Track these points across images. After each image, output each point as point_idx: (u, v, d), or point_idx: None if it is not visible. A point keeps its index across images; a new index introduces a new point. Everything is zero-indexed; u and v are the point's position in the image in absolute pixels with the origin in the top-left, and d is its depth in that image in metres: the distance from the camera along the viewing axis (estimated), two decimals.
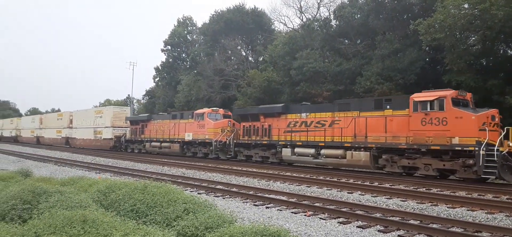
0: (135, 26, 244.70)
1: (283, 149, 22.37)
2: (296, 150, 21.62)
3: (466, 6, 22.27)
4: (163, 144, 31.61)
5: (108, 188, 8.71)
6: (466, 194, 12.55)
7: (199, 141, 28.00)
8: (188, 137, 28.98)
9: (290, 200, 11.13)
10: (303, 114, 22.12)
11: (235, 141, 25.61)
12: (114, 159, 27.92)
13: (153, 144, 32.86)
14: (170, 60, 57.75)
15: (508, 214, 9.48)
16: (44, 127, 53.44)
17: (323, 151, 19.91)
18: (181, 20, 58.63)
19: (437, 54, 27.21)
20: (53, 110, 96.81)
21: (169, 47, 57.75)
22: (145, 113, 41.17)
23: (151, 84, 65.23)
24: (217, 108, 29.45)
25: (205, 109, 28.64)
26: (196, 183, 14.55)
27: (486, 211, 9.84)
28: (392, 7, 29.64)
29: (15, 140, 61.93)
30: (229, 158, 26.26)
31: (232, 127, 27.16)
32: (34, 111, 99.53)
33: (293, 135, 22.14)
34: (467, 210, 10.06)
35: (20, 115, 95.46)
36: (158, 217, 6.89)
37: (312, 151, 20.43)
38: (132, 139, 36.59)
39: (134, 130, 36.42)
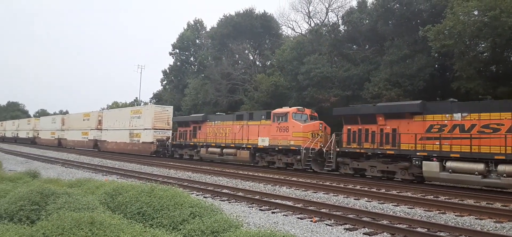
0: (144, 30, 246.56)
1: (425, 162, 16.03)
2: (450, 164, 15.34)
3: (475, 13, 22.12)
4: (225, 150, 26.11)
5: (115, 190, 8.74)
6: (474, 202, 12.41)
7: (279, 147, 22.56)
8: (263, 142, 23.54)
9: (296, 205, 11.09)
10: (458, 115, 16.04)
11: (338, 150, 19.97)
12: (120, 161, 28.05)
13: (211, 149, 27.37)
14: (178, 63, 58.06)
15: None
16: (67, 128, 49.39)
17: None
18: (192, 23, 58.95)
19: (446, 61, 27.04)
20: (61, 112, 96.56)
21: (177, 50, 58.09)
22: (198, 114, 34.43)
23: (159, 87, 65.64)
24: (303, 107, 23.88)
25: (288, 109, 23.22)
26: (202, 187, 14.58)
27: (494, 220, 9.72)
28: (401, 13, 29.53)
29: (32, 142, 58.53)
30: (330, 171, 20.38)
31: (324, 130, 22.36)
32: (42, 113, 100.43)
33: (441, 143, 16.06)
34: (475, 218, 9.95)
35: (28, 116, 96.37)
36: (164, 220, 6.90)
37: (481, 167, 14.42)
38: (181, 143, 31.46)
39: (183, 132, 31.61)
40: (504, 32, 20.47)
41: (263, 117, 24.31)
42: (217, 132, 27.71)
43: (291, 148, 21.78)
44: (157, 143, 32.73)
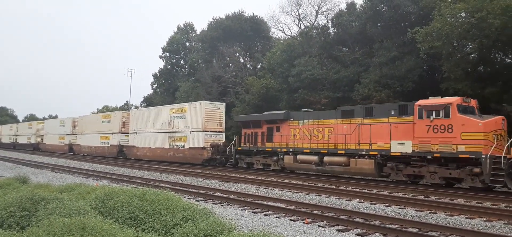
0: (133, 33, 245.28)
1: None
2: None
3: (463, 14, 22.43)
4: (328, 159, 19.57)
5: (107, 195, 8.68)
6: (464, 201, 12.56)
7: (435, 154, 15.74)
8: (400, 147, 16.92)
9: (288, 207, 11.11)
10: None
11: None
12: (112, 165, 27.80)
13: (302, 157, 20.84)
14: (168, 66, 57.85)
15: (506, 221, 9.50)
16: (80, 131, 43.39)
17: None
18: (182, 27, 58.82)
19: (434, 62, 27.36)
20: (50, 117, 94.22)
21: (168, 54, 57.90)
22: (275, 111, 26.30)
23: (149, 91, 65.25)
24: (468, 97, 16.73)
25: (450, 99, 16.29)
26: (194, 190, 14.52)
27: (484, 219, 9.85)
28: (389, 16, 29.84)
29: (36, 148, 52.66)
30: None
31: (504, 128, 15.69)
32: (31, 118, 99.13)
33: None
34: (466, 218, 10.06)
35: (17, 121, 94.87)
36: (156, 224, 6.86)
37: None
38: (249, 149, 24.40)
39: (250, 135, 24.66)
40: (491, 33, 20.78)
41: (393, 112, 17.83)
42: (309, 134, 21.16)
43: (461, 155, 15.06)
44: (211, 148, 26.68)
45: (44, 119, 80.00)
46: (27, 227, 6.32)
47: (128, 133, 35.87)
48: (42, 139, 52.84)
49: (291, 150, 21.87)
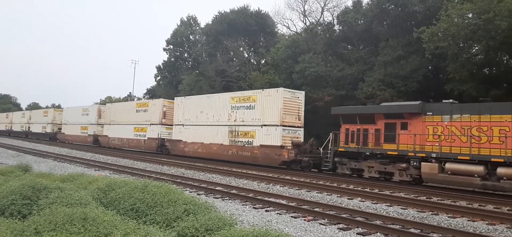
0: (137, 25, 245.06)
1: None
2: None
3: (470, 15, 22.26)
4: (507, 171, 13.93)
5: (108, 186, 8.67)
6: (467, 204, 12.50)
7: None
8: None
9: (289, 204, 11.08)
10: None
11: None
12: (114, 156, 27.84)
13: (455, 166, 15.23)
14: (172, 59, 57.81)
15: (509, 225, 9.44)
16: (108, 121, 38.65)
17: None
18: (185, 20, 58.71)
19: (439, 62, 27.22)
20: (53, 106, 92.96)
21: (171, 46, 57.83)
22: (399, 102, 21.22)
23: (152, 83, 65.34)
24: None
25: None
26: (195, 184, 14.52)
27: (487, 222, 9.80)
28: (395, 14, 29.66)
29: (52, 138, 49.00)
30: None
31: None
32: (34, 106, 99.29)
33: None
34: (468, 220, 10.01)
35: (20, 109, 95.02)
36: (158, 217, 6.84)
37: None
38: (359, 151, 18.91)
39: (354, 132, 19.43)
40: (498, 35, 20.64)
41: None
42: (464, 134, 15.57)
43: None
44: (294, 149, 21.46)
45: (47, 107, 79.08)
46: (29, 216, 6.31)
47: (170, 125, 31.07)
48: (59, 129, 48.85)
49: (433, 155, 15.94)
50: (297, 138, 22.51)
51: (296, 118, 22.74)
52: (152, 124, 32.22)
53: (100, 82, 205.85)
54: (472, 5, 21.49)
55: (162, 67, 58.99)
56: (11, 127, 64.40)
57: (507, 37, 20.90)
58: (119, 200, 7.68)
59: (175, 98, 30.46)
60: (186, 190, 12.86)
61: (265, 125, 22.94)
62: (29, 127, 57.06)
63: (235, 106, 25.27)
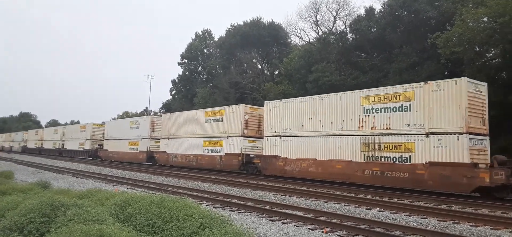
0: (152, 41, 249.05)
1: None
2: None
3: (485, 19, 21.93)
4: None
5: (125, 201, 8.71)
6: (489, 211, 12.15)
7: None
8: None
9: (306, 215, 10.95)
10: None
11: None
12: (130, 170, 28.11)
13: None
14: (187, 73, 58.50)
15: None
16: (165, 134, 33.10)
17: None
18: (200, 34, 59.48)
19: (456, 67, 26.80)
20: (72, 122, 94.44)
21: (186, 60, 58.60)
22: None
23: (168, 97, 66.08)
24: None
25: None
26: (211, 197, 14.50)
27: (510, 230, 9.48)
28: (409, 21, 29.43)
29: (92, 156, 45.20)
30: None
31: None
32: (54, 123, 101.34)
33: None
34: (491, 228, 9.71)
35: (40, 126, 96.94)
36: (174, 232, 6.83)
37: None
38: None
39: None
40: None
41: None
42: None
43: None
44: (502, 168, 14.39)
45: (66, 124, 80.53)
46: (47, 234, 6.38)
47: (252, 137, 25.86)
48: (101, 145, 44.83)
49: None
50: (485, 150, 15.84)
51: (480, 122, 16.04)
52: (230, 136, 26.33)
53: (118, 97, 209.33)
54: (487, 9, 21.18)
55: (177, 81, 59.75)
56: (42, 144, 61.71)
57: None
58: (136, 216, 7.69)
59: (266, 103, 24.33)
60: (202, 204, 12.86)
61: (432, 133, 16.15)
62: (63, 144, 53.90)
63: (372, 109, 18.52)
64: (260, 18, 48.02)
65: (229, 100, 42.81)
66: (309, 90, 33.00)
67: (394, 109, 17.74)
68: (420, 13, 28.67)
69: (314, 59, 35.36)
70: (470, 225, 10.09)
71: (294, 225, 9.93)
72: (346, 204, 13.56)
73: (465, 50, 22.46)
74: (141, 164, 35.70)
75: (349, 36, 37.12)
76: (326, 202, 14.06)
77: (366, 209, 12.62)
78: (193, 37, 59.61)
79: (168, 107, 60.17)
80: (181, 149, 30.95)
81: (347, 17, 41.46)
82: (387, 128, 17.86)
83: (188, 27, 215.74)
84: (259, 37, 46.01)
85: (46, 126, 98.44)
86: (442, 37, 23.17)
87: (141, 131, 37.18)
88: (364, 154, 18.46)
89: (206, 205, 12.68)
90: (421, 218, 11.08)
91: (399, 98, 17.63)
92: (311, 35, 48.23)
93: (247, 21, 48.06)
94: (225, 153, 26.41)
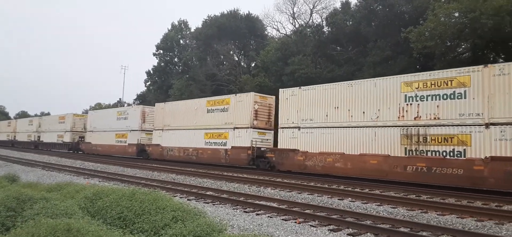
0: (125, 31, 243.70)
1: None
2: None
3: (456, 14, 22.55)
4: None
5: (95, 194, 8.55)
6: (455, 201, 12.58)
7: None
8: None
9: (280, 206, 11.05)
10: None
11: None
12: (102, 163, 27.58)
13: None
14: (162, 64, 57.65)
15: (497, 221, 9.51)
16: (159, 125, 30.27)
17: None
18: (176, 24, 58.62)
19: (427, 61, 27.49)
20: (42, 114, 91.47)
21: (161, 51, 57.70)
22: None
23: (142, 88, 65.03)
24: None
25: None
26: (186, 189, 14.42)
27: (475, 218, 9.86)
28: (383, 15, 29.91)
29: (72, 148, 42.07)
30: None
31: None
32: (23, 115, 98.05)
33: None
34: (457, 217, 10.07)
35: (9, 118, 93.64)
36: (145, 225, 6.76)
37: None
38: None
39: None
40: (484, 34, 20.91)
41: None
42: None
43: None
44: None
45: (36, 116, 76.90)
46: (12, 228, 6.19)
47: (264, 129, 23.55)
48: (82, 138, 42.07)
49: None
50: None
51: None
52: (237, 127, 23.81)
53: (89, 89, 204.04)
54: (459, 4, 21.78)
55: (152, 72, 58.80)
56: (15, 136, 58.06)
57: (493, 36, 21.20)
58: (106, 209, 7.57)
59: (282, 90, 21.92)
60: (176, 196, 12.78)
61: (493, 123, 14.15)
62: (39, 136, 50.68)
63: (415, 96, 16.36)
64: (237, 10, 47.76)
65: (205, 93, 42.52)
66: (285, 82, 33.14)
67: (445, 96, 15.61)
68: (394, 8, 29.20)
69: (290, 52, 35.52)
70: (437, 214, 10.43)
71: (268, 216, 10.00)
72: (319, 195, 13.76)
73: (436, 45, 23.05)
74: (130, 158, 33.00)
75: (325, 29, 37.44)
76: (300, 193, 14.23)
77: (338, 199, 12.85)
78: (169, 28, 58.76)
79: (142, 99, 59.23)
80: (178, 141, 28.13)
81: (324, 10, 41.87)
82: (434, 118, 15.74)
83: (163, 17, 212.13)
84: (236, 28, 45.78)
85: (15, 118, 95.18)
86: (415, 32, 23.70)
87: (130, 122, 34.12)
88: (405, 147, 16.28)
89: (180, 197, 12.60)
90: (391, 207, 11.38)
91: (451, 84, 15.52)
92: (288, 28, 48.43)
93: (224, 12, 47.72)
94: (232, 146, 23.68)
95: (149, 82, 59.90)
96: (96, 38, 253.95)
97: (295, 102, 21.02)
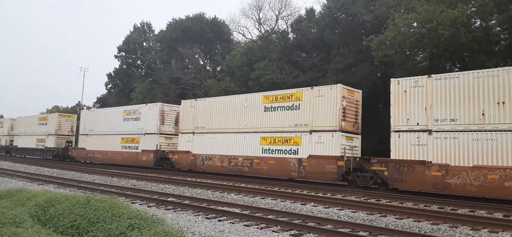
0: (86, 31, 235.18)
1: None
2: None
3: (415, 24, 23.42)
4: None
5: (48, 202, 8.14)
6: (413, 205, 12.99)
7: None
8: None
9: (243, 212, 10.96)
10: None
11: None
12: (59, 169, 26.39)
13: None
14: (124, 66, 56.19)
15: (451, 224, 9.88)
16: (188, 127, 24.88)
17: None
18: (139, 26, 57.35)
19: (388, 69, 28.38)
20: None
21: (123, 53, 56.22)
22: None
23: (103, 91, 63.01)
24: None
25: None
26: (146, 195, 14.01)
27: (431, 222, 10.19)
28: (346, 23, 30.63)
29: (59, 156, 35.52)
30: None
31: None
32: None
33: None
34: (414, 221, 10.37)
35: None
36: (100, 234, 6.47)
37: None
38: None
39: None
40: (440, 43, 21.83)
41: None
42: None
43: None
44: None
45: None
46: None
47: (351, 133, 18.87)
48: (70, 142, 37.05)
49: None
50: None
51: None
52: (315, 130, 18.74)
53: (45, 91, 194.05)
54: (417, 15, 22.63)
55: (113, 75, 57.13)
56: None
57: (449, 45, 22.20)
58: (59, 217, 7.21)
59: (395, 81, 16.67)
60: (135, 203, 12.39)
61: None
62: (12, 141, 44.01)
63: None
64: (203, 13, 47.43)
65: (169, 96, 41.81)
66: (251, 87, 33.19)
67: None
68: (356, 16, 29.98)
69: (256, 57, 35.65)
70: (395, 218, 10.71)
71: (230, 222, 9.88)
72: (283, 200, 13.79)
73: (396, 53, 23.82)
74: (148, 169, 26.55)
75: (291, 35, 37.90)
76: (263, 198, 14.20)
77: (301, 204, 12.92)
78: (132, 30, 57.36)
79: (103, 102, 57.37)
80: (218, 148, 22.83)
81: (289, 16, 42.39)
82: None
83: (127, 19, 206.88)
84: (202, 32, 45.43)
85: None
86: (376, 40, 24.40)
87: (143, 123, 28.11)
88: None
89: (140, 204, 12.22)
90: (352, 211, 11.57)
91: None
92: (254, 33, 48.71)
93: (189, 15, 47.24)
94: (309, 155, 18.60)
95: (110, 85, 58.16)
96: (53, 39, 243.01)
97: (422, 95, 15.73)
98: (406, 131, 15.89)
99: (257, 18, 44.87)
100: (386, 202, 13.59)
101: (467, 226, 9.76)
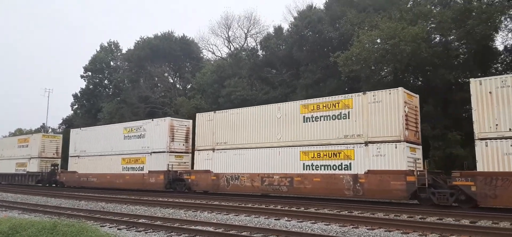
0: (51, 51, 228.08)
1: None
2: None
3: (378, 41, 24.30)
4: None
5: (12, 228, 7.75)
6: (384, 215, 13.27)
7: None
8: None
9: (217, 230, 10.83)
10: None
11: None
12: (23, 194, 25.20)
13: None
14: (91, 86, 54.81)
15: (420, 233, 10.16)
16: (207, 144, 22.20)
17: None
18: (106, 46, 56.30)
19: (354, 84, 29.16)
20: None
21: (90, 73, 54.89)
22: None
23: (69, 112, 61.04)
24: None
25: None
26: (116, 218, 13.59)
27: (401, 231, 10.44)
28: (313, 40, 31.37)
29: (43, 182, 32.81)
30: None
31: None
32: None
33: None
34: (385, 231, 10.59)
35: None
36: None
37: None
38: None
39: None
40: (403, 58, 22.72)
41: None
42: None
43: None
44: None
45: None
46: None
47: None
48: (55, 166, 33.88)
49: None
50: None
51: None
52: (371, 141, 16.49)
53: (5, 115, 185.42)
54: (380, 32, 23.52)
55: (79, 95, 55.57)
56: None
57: (411, 60, 23.14)
58: None
59: (475, 81, 14.25)
60: (105, 226, 12.00)
61: None
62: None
63: None
64: (172, 32, 47.27)
65: (138, 116, 41.07)
66: (222, 104, 33.18)
67: None
68: (323, 34, 30.77)
69: (226, 74, 35.79)
70: (367, 229, 10.89)
71: None
72: (257, 216, 13.75)
73: (362, 68, 24.58)
74: (158, 193, 23.88)
75: (260, 52, 38.37)
76: (237, 215, 14.10)
77: (275, 219, 12.92)
78: (98, 49, 56.22)
79: (69, 123, 55.49)
80: (246, 166, 20.27)
81: (258, 34, 42.96)
82: None
83: (93, 38, 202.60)
84: (171, 50, 45.17)
85: None
86: (342, 56, 25.11)
87: (149, 141, 25.35)
88: None
89: (110, 227, 11.83)
90: (325, 225, 11.68)
91: None
92: (224, 51, 48.86)
93: (157, 34, 46.93)
94: (368, 170, 16.15)
95: (76, 106, 56.48)
96: (13, 58, 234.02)
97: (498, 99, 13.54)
98: (495, 138, 13.42)
99: (226, 36, 45.22)
100: (358, 213, 13.81)
101: (435, 233, 10.07)
